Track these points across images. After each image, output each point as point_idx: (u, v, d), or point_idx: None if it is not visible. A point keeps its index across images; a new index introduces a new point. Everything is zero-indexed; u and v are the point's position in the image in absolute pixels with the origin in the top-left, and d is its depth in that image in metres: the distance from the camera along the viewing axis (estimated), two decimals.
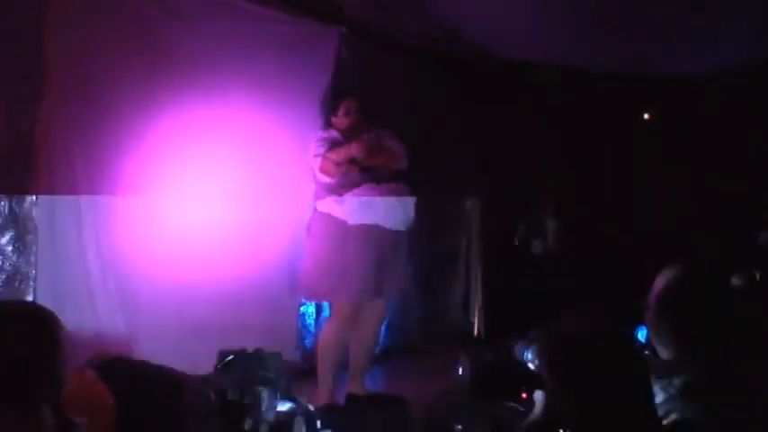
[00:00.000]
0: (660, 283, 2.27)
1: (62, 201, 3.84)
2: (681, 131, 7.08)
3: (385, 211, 4.45)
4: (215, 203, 4.54)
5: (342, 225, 4.45)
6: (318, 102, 5.08)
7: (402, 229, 4.54)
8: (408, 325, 6.08)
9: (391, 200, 4.48)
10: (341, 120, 4.68)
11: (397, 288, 4.66)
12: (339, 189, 4.50)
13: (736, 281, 4.62)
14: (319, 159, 4.50)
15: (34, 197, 3.73)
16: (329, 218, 4.50)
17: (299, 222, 4.98)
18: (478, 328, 6.77)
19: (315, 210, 4.64)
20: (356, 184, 4.48)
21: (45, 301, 3.54)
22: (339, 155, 4.48)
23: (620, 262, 6.77)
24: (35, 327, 1.91)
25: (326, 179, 4.51)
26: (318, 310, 5.36)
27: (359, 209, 4.42)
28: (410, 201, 4.57)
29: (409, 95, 6.14)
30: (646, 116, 7.38)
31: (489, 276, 6.85)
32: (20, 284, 3.66)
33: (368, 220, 4.43)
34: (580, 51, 5.61)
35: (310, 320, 5.35)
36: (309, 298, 4.97)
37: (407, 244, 4.67)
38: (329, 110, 4.81)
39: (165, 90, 4.21)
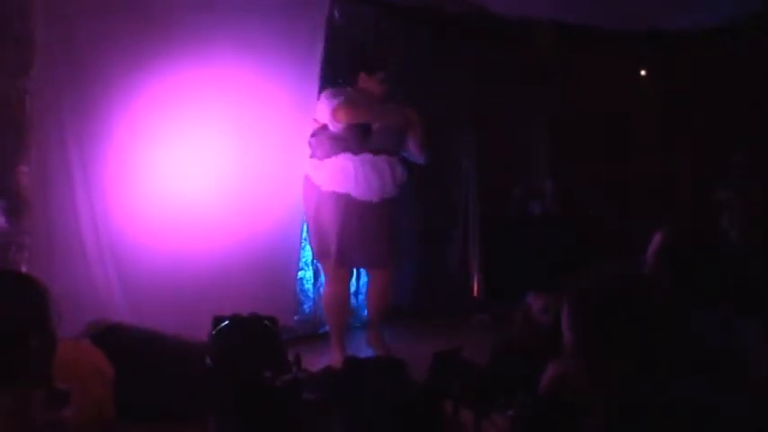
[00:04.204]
0: (657, 239, 2.29)
1: (54, 169, 3.81)
2: (677, 88, 7.03)
3: (356, 181, 4.46)
4: (210, 169, 4.51)
5: (317, 189, 4.56)
6: (313, 65, 5.02)
7: (376, 200, 4.52)
8: (406, 287, 6.07)
9: (367, 171, 4.48)
10: (375, 83, 4.64)
11: (382, 257, 4.65)
12: (318, 155, 4.55)
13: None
14: (346, 105, 4.48)
15: (26, 167, 3.70)
16: (309, 182, 4.61)
17: (294, 188, 4.97)
18: (477, 289, 6.78)
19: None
20: (334, 153, 4.50)
21: (39, 269, 3.53)
22: (361, 114, 4.51)
23: (617, 221, 6.76)
24: (23, 296, 1.88)
25: (337, 125, 4.48)
26: (316, 275, 5.36)
27: (330, 177, 4.49)
28: (390, 172, 4.54)
29: (404, 56, 6.07)
30: (642, 73, 7.32)
31: (487, 238, 6.84)
32: (14, 253, 3.64)
33: (340, 188, 4.48)
34: (579, 7, 5.52)
35: (308, 285, 5.35)
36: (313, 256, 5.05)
37: (389, 214, 4.63)
38: (350, 69, 4.79)
39: (154, 56, 4.16)
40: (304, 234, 5.09)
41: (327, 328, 4.86)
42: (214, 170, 4.53)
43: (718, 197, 5.02)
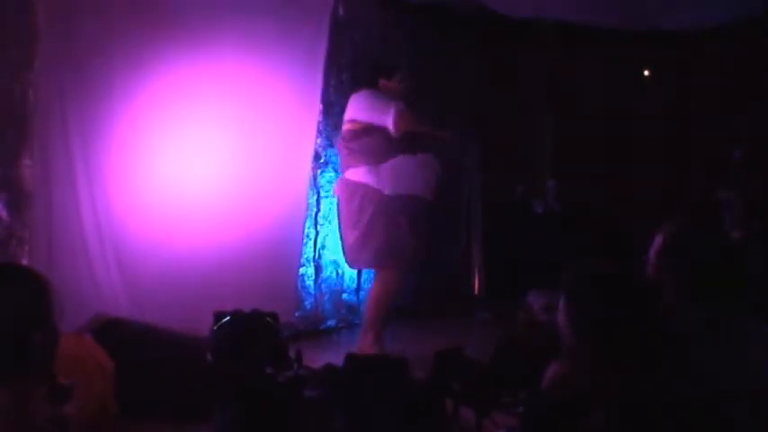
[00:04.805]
0: (660, 237, 2.29)
1: (57, 163, 3.81)
2: (678, 88, 7.03)
3: (419, 180, 4.50)
4: (212, 165, 4.50)
5: (378, 194, 4.48)
6: (317, 63, 5.02)
7: (430, 198, 4.58)
8: (408, 286, 6.07)
9: (424, 170, 4.54)
10: (395, 84, 4.67)
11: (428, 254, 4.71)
12: (374, 159, 4.51)
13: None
14: (406, 112, 4.48)
15: (28, 160, 3.70)
16: (365, 188, 4.51)
17: (296, 185, 4.97)
18: (478, 288, 6.77)
19: (344, 179, 4.66)
20: (391, 155, 4.49)
21: (40, 263, 3.53)
22: (421, 122, 4.57)
23: (618, 221, 6.76)
24: (25, 291, 1.87)
25: (398, 131, 4.47)
26: (317, 272, 5.36)
27: (394, 179, 4.46)
28: (436, 170, 4.59)
29: (408, 53, 6.07)
30: (646, 73, 7.32)
31: (489, 237, 6.84)
32: (15, 247, 3.64)
33: (404, 190, 4.47)
34: (580, 7, 5.53)
35: (309, 282, 5.34)
36: (355, 266, 4.92)
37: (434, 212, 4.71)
38: (370, 78, 4.76)
39: (157, 51, 4.15)
40: (306, 231, 5.10)
41: (329, 324, 4.83)
42: (217, 166, 4.53)
43: (719, 197, 5.02)
